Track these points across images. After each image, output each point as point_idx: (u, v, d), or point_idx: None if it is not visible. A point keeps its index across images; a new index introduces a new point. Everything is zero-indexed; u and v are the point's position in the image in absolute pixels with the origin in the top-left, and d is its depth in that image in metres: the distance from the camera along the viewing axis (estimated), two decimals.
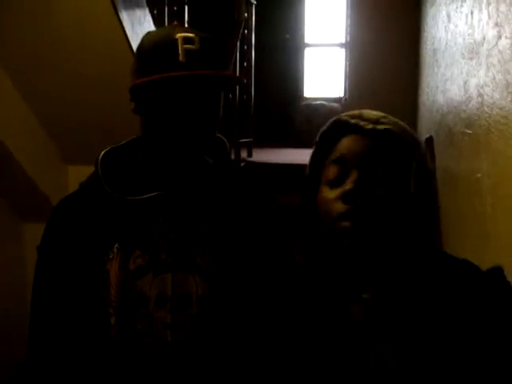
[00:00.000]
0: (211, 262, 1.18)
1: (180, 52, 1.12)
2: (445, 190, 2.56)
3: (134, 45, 2.59)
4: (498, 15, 2.00)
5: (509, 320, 0.91)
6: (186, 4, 4.13)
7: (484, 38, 2.20)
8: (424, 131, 3.71)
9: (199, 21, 3.68)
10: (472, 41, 2.41)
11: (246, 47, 4.59)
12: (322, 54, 6.73)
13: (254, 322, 1.11)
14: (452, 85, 2.85)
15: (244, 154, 4.43)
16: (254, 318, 1.12)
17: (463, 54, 2.59)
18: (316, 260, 1.06)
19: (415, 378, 0.91)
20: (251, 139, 4.66)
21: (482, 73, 2.23)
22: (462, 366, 0.89)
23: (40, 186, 3.30)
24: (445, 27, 3.13)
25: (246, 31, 4.57)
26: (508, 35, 1.88)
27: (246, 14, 4.56)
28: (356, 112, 1.03)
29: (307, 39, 6.72)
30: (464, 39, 2.59)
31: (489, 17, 2.14)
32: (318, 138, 1.06)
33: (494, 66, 2.06)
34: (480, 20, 2.29)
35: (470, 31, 2.46)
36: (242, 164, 4.08)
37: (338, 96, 6.27)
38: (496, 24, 2.03)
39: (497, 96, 2.02)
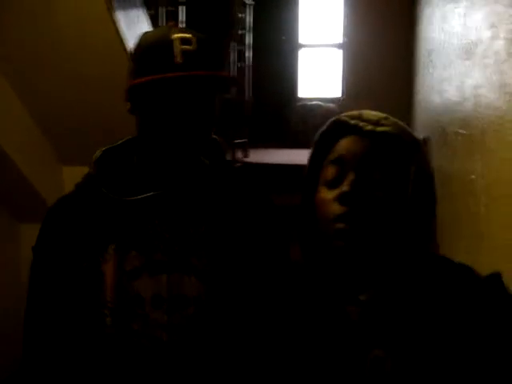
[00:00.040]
0: (207, 262, 1.18)
1: (177, 53, 1.12)
2: (439, 190, 2.55)
3: (130, 45, 2.59)
4: (493, 16, 2.01)
5: (506, 326, 0.91)
6: (182, 4, 4.13)
7: (479, 39, 2.21)
8: (419, 131, 3.72)
9: (195, 21, 3.68)
10: (467, 41, 2.42)
11: (241, 48, 4.60)
12: (318, 54, 6.74)
13: (251, 323, 1.11)
14: (447, 85, 2.85)
15: (239, 155, 4.43)
16: (251, 319, 1.12)
17: (458, 55, 2.59)
18: (314, 261, 1.05)
19: (412, 381, 0.90)
20: (247, 140, 4.67)
21: (477, 73, 2.24)
22: (459, 370, 0.89)
23: (36, 186, 3.29)
24: (440, 28, 3.13)
25: (241, 32, 4.57)
26: (503, 36, 1.88)
27: (241, 15, 4.56)
28: (356, 112, 1.02)
29: (303, 40, 6.73)
30: (459, 40, 2.60)
31: (484, 17, 2.15)
32: (317, 138, 1.06)
33: (489, 66, 2.06)
34: (475, 21, 2.29)
35: (466, 32, 2.46)
36: (238, 165, 4.08)
37: (333, 96, 6.28)
38: (491, 25, 2.04)
39: (492, 97, 2.02)
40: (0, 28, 2.67)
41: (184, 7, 4.21)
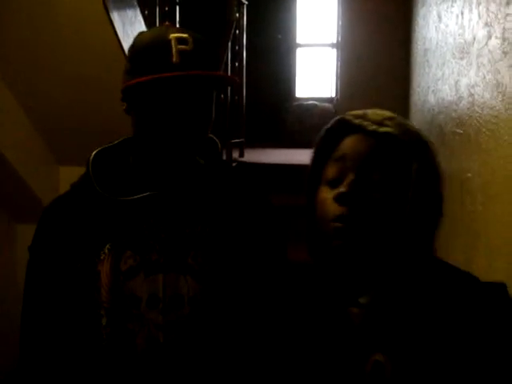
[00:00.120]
0: (203, 262, 1.18)
1: (174, 53, 1.12)
2: None
3: (126, 45, 2.59)
4: (488, 15, 2.01)
5: (509, 334, 0.90)
6: (177, 4, 4.13)
7: (474, 38, 2.21)
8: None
9: (190, 21, 3.68)
10: (462, 41, 2.42)
11: (237, 47, 4.60)
12: (313, 54, 6.75)
13: (247, 323, 1.11)
14: (443, 85, 2.86)
15: (236, 155, 4.43)
16: (247, 319, 1.12)
17: (454, 54, 2.60)
18: (319, 261, 1.04)
19: None
20: (243, 139, 4.67)
21: (472, 72, 2.24)
22: (461, 378, 0.88)
23: (32, 187, 3.29)
24: (435, 27, 3.13)
25: (237, 31, 4.58)
26: (498, 35, 1.89)
27: (237, 14, 4.56)
28: (361, 112, 1.01)
29: (299, 39, 6.74)
30: (454, 39, 2.60)
31: (479, 17, 2.15)
32: (322, 135, 1.04)
33: (484, 65, 2.06)
34: (470, 20, 2.30)
35: (461, 31, 2.47)
36: (234, 164, 4.08)
37: (329, 96, 6.29)
38: (486, 24, 2.04)
39: (487, 96, 2.02)
40: None
41: (179, 7, 4.21)
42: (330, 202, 0.95)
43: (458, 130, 2.47)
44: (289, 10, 6.66)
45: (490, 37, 1.99)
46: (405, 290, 0.96)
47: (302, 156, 4.89)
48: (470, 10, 2.30)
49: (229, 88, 3.83)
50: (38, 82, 2.96)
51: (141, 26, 2.95)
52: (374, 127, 0.96)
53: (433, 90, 3.16)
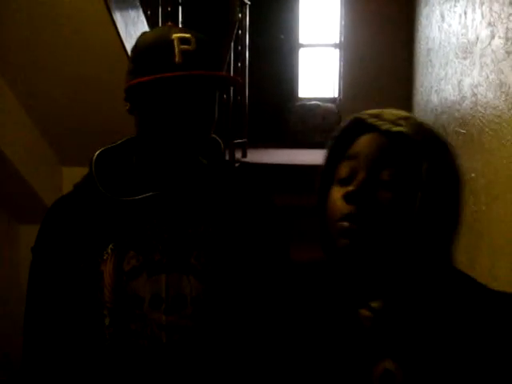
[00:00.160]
0: (205, 262, 1.18)
1: (176, 53, 1.12)
2: None
3: (128, 45, 2.59)
4: (491, 15, 2.01)
5: None
6: (180, 5, 4.13)
7: (477, 38, 2.21)
8: None
9: (193, 21, 3.68)
10: (465, 40, 2.42)
11: (240, 48, 4.60)
12: (316, 54, 6.75)
13: (250, 323, 1.11)
14: (446, 84, 2.85)
15: (238, 155, 4.43)
16: (250, 319, 1.12)
17: (457, 54, 2.59)
18: (331, 260, 1.03)
19: None
20: (246, 140, 4.66)
21: (475, 72, 2.24)
22: None
23: (35, 187, 3.28)
24: (438, 27, 3.13)
25: (240, 32, 4.57)
26: (501, 35, 1.89)
27: (239, 15, 4.57)
28: (376, 111, 0.99)
29: (301, 40, 6.73)
30: (458, 39, 2.60)
31: (482, 16, 2.15)
32: (337, 134, 1.02)
33: (487, 65, 2.06)
34: (473, 20, 2.30)
35: (464, 31, 2.47)
36: (237, 165, 4.08)
37: (332, 96, 6.29)
38: (489, 24, 2.04)
39: (490, 95, 2.02)
40: None
41: (181, 7, 4.21)
42: (338, 201, 0.94)
43: (461, 130, 2.46)
44: (291, 10, 6.66)
45: (493, 36, 1.98)
46: (417, 297, 0.94)
47: (305, 156, 4.89)
48: (474, 10, 2.30)
49: (231, 88, 3.82)
50: (39, 82, 2.96)
51: (143, 27, 2.95)
52: (388, 126, 0.95)
53: (436, 90, 3.16)
